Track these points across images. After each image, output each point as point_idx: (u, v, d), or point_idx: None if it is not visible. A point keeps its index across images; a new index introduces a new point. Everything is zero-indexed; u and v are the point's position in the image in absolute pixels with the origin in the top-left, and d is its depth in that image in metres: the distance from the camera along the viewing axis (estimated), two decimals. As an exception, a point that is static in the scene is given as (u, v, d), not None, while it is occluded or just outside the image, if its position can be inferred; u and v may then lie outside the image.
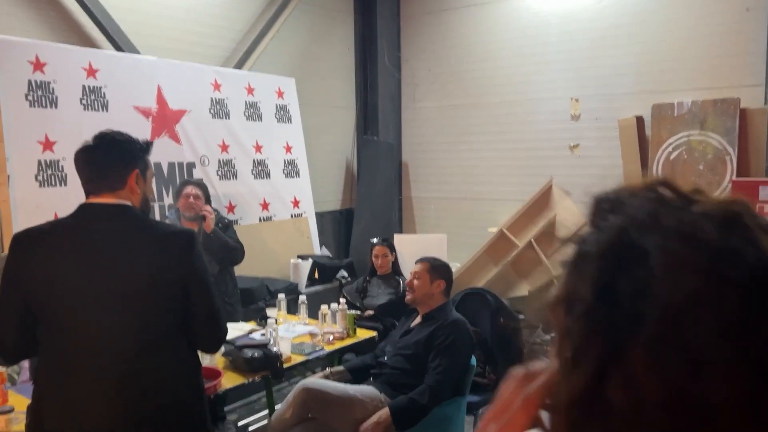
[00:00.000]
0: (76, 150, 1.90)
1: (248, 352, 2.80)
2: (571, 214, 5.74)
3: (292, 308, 4.53)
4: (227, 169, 4.95)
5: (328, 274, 5.16)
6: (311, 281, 5.08)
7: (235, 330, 3.41)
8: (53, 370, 1.80)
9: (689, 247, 0.41)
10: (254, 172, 5.16)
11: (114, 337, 1.77)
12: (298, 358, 3.01)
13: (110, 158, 1.88)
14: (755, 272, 0.39)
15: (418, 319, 3.01)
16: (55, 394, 1.78)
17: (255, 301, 4.34)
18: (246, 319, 3.81)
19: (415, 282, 2.98)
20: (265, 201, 5.22)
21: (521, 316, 5.80)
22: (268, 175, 5.27)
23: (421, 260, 3.07)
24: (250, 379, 2.77)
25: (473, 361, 2.95)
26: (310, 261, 4.98)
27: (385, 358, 2.91)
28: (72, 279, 1.77)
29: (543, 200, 5.85)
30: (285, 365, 2.90)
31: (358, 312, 3.85)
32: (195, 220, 3.78)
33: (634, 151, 5.37)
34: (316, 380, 2.80)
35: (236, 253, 3.91)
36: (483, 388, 3.26)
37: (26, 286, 1.78)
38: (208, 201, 3.84)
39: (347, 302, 4.14)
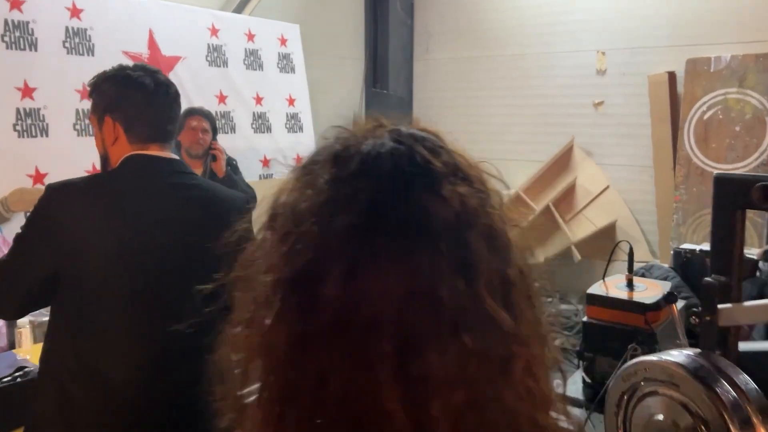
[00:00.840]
0: (121, 81, 1.59)
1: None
2: (593, 177, 5.39)
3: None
4: (225, 122, 4.61)
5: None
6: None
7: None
8: (84, 345, 1.53)
9: (341, 149, 0.56)
10: (254, 125, 4.82)
11: (163, 314, 1.51)
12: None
13: (179, 100, 1.66)
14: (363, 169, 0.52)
15: None
16: (92, 374, 1.52)
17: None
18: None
19: None
20: (265, 157, 4.89)
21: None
22: (269, 129, 4.92)
23: None
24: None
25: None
26: (313, 222, 4.68)
27: None
28: (121, 245, 1.49)
29: (563, 161, 5.49)
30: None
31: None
32: (201, 159, 3.43)
33: (664, 110, 4.97)
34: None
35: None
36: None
37: (61, 247, 1.48)
38: (215, 135, 3.45)
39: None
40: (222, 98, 4.59)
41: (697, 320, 0.93)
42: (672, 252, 3.13)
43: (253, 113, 4.81)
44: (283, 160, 5.03)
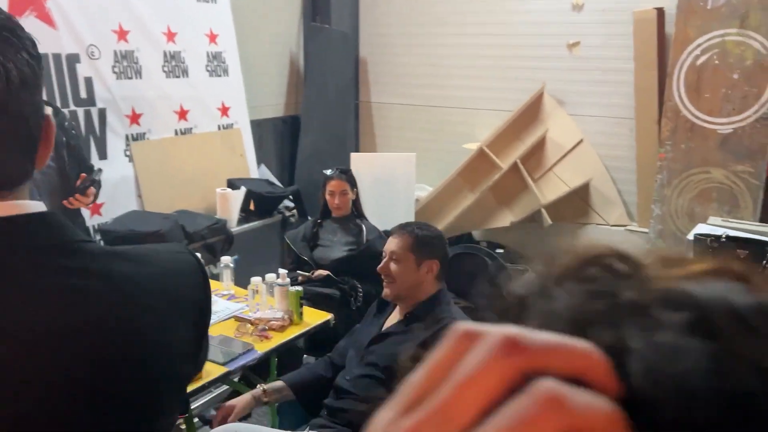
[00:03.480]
0: None
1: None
2: (565, 129, 4.74)
3: (221, 255, 3.50)
4: (127, 65, 3.68)
5: (269, 204, 4.06)
6: (246, 215, 3.99)
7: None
8: None
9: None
10: (166, 68, 3.90)
11: None
12: (211, 372, 1.98)
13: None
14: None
15: (396, 315, 2.00)
16: None
17: (166, 249, 3.25)
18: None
19: (393, 267, 1.92)
20: (182, 108, 4.00)
21: (500, 251, 4.91)
22: (185, 72, 4.02)
23: (400, 231, 1.98)
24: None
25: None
26: (243, 190, 3.86)
27: (346, 379, 1.90)
28: None
29: (532, 111, 4.81)
30: (191, 387, 1.88)
31: (304, 274, 2.81)
32: None
33: (650, 53, 4.32)
34: (231, 428, 1.78)
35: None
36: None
37: None
38: None
39: (294, 255, 3.10)
40: (122, 34, 3.64)
41: None
42: (692, 239, 2.53)
43: (164, 53, 3.89)
44: (205, 110, 4.15)
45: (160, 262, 0.85)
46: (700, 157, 4.13)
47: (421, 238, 1.95)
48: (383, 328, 1.96)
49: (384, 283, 1.95)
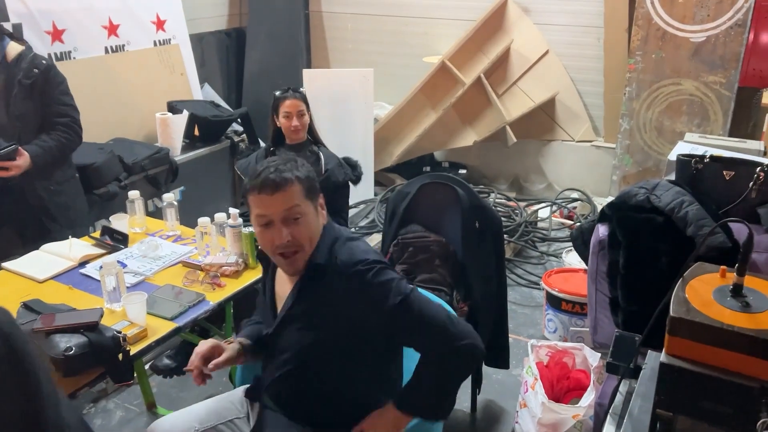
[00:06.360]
0: None
1: (60, 343, 1.52)
2: (530, 39, 4.47)
3: (165, 188, 3.21)
4: (42, -27, 3.21)
5: (215, 129, 3.73)
6: (190, 141, 3.65)
7: (50, 264, 2.07)
8: None
9: None
10: (89, -24, 3.44)
11: None
12: (158, 328, 1.75)
13: None
14: None
15: (285, 282, 1.54)
16: None
17: (103, 183, 2.92)
18: (84, 230, 2.47)
19: (300, 230, 1.42)
20: (111, 22, 3.56)
21: (462, 171, 4.72)
22: (112, -19, 3.56)
23: (279, 183, 1.41)
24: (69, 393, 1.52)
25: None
26: (186, 114, 3.50)
27: (272, 377, 1.53)
28: None
29: (495, 21, 4.50)
30: (135, 349, 1.65)
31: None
32: None
33: (622, -45, 4.03)
34: (179, 416, 1.54)
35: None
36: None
37: None
38: None
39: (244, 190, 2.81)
40: (33, -65, 3.14)
41: None
42: (676, 160, 2.35)
43: (86, -42, 3.41)
44: (137, 24, 3.71)
45: None
46: (671, 67, 3.94)
47: (306, 178, 1.46)
48: (278, 310, 1.53)
49: (287, 261, 1.44)
